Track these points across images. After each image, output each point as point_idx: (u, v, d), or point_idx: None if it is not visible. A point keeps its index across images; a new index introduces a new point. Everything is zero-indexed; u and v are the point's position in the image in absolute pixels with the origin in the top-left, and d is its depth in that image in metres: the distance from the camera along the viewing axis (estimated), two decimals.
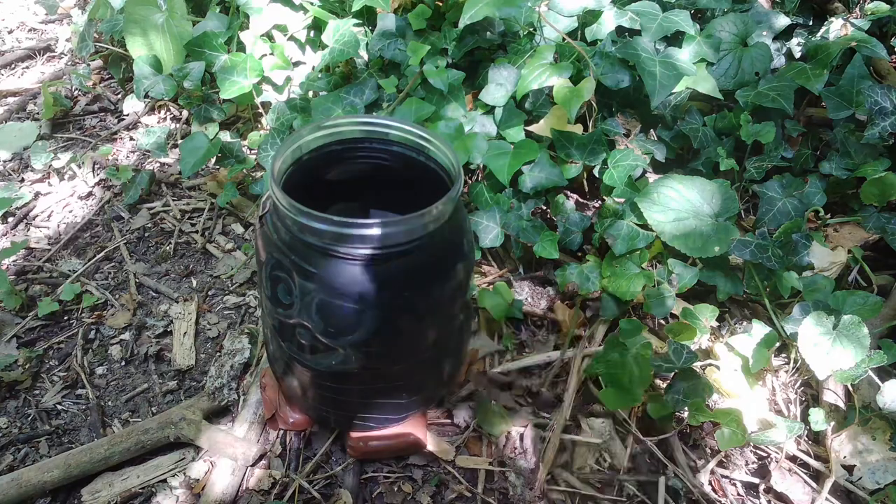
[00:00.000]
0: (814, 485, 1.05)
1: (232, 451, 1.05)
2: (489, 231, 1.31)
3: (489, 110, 1.41)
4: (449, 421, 1.12)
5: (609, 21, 1.40)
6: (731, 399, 1.11)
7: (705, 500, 1.03)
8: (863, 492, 1.03)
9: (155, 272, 1.42)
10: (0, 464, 1.09)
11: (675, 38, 1.40)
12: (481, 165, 1.37)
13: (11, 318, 1.31)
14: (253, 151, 1.59)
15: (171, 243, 1.48)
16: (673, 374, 1.07)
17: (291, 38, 1.61)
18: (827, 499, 1.03)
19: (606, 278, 1.23)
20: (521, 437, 1.10)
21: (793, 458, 1.08)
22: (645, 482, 1.05)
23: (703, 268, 1.21)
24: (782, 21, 1.48)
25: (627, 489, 1.04)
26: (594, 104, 1.34)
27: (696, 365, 1.07)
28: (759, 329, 1.13)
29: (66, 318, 1.32)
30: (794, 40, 1.47)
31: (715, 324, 1.18)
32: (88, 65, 2.01)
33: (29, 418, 1.16)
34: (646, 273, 1.21)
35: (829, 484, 1.03)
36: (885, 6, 1.50)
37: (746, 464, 1.09)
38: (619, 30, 1.42)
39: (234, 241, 1.49)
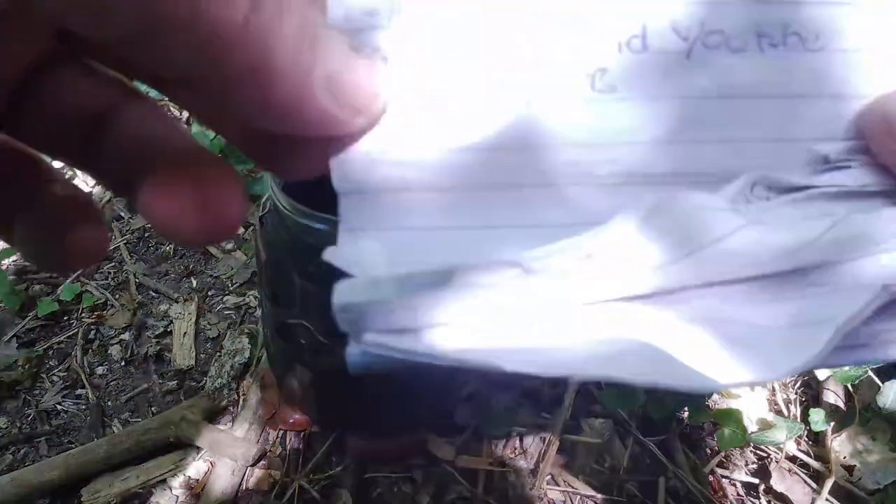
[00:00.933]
0: (814, 485, 1.05)
1: (232, 452, 1.05)
2: None
3: None
4: (449, 421, 1.12)
5: None
6: (731, 399, 1.11)
7: (705, 501, 1.03)
8: (863, 492, 1.03)
9: (155, 272, 1.42)
10: (0, 464, 1.09)
11: None
12: None
13: (11, 318, 1.31)
14: None
15: (171, 244, 1.48)
16: None
17: None
18: (827, 499, 1.03)
19: None
20: (521, 437, 1.10)
21: (793, 459, 1.08)
22: (645, 482, 1.05)
23: None
24: None
25: (627, 489, 1.04)
26: None
27: None
28: None
29: (66, 318, 1.32)
30: None
31: None
32: None
33: (29, 418, 1.16)
34: None
35: (829, 484, 1.03)
36: None
37: (746, 464, 1.09)
38: None
39: (234, 242, 1.49)
